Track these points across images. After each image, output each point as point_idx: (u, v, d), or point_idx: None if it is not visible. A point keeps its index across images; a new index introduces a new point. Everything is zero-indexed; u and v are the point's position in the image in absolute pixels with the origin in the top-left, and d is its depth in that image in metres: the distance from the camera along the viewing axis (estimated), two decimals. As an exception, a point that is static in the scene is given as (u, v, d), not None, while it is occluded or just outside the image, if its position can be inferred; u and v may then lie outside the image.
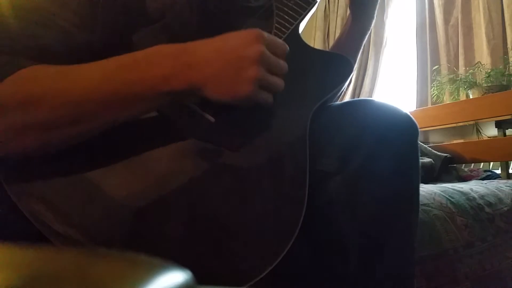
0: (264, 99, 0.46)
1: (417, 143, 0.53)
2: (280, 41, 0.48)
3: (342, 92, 0.66)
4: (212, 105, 0.51)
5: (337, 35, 3.15)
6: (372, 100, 0.55)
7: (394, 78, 2.84)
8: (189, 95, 0.46)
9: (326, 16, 3.32)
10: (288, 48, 0.48)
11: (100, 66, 0.44)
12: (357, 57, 0.74)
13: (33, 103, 0.42)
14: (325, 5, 3.31)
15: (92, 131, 0.45)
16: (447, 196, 0.96)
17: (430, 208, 0.89)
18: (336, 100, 0.68)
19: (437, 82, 2.10)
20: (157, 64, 0.43)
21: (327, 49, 2.94)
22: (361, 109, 0.54)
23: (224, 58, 0.44)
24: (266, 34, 0.45)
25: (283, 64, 0.47)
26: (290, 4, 0.60)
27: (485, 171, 1.71)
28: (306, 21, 0.67)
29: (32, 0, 0.47)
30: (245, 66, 0.43)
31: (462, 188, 1.05)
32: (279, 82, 0.47)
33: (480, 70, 1.92)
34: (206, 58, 0.44)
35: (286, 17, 0.59)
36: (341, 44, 0.74)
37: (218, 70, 0.43)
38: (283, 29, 0.58)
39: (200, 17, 0.49)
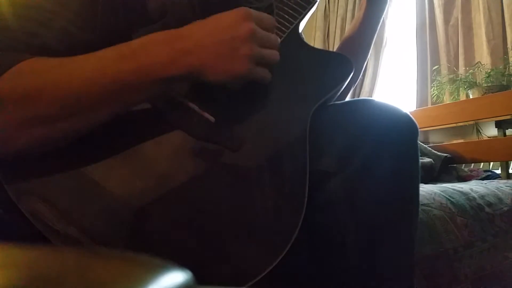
0: (262, 74, 0.48)
1: (417, 143, 0.53)
2: (268, 15, 0.50)
3: (349, 88, 0.66)
4: (211, 105, 0.51)
5: (337, 35, 3.17)
6: (372, 100, 0.55)
7: (394, 78, 2.85)
8: (187, 80, 0.47)
9: (326, 16, 3.32)
10: (275, 22, 0.50)
11: (97, 57, 0.44)
12: (372, 42, 0.75)
13: (33, 96, 0.42)
14: (325, 5, 3.31)
15: (92, 124, 0.45)
16: (447, 196, 0.96)
17: (430, 208, 0.89)
18: (339, 99, 0.68)
19: (437, 82, 2.10)
20: (154, 52, 0.44)
21: (327, 49, 2.95)
22: (361, 109, 0.54)
23: (217, 40, 0.45)
24: (253, 10, 0.47)
25: (274, 37, 0.49)
26: (290, 4, 0.60)
27: (485, 171, 1.72)
28: (306, 21, 0.67)
29: None
30: (238, 45, 0.45)
31: (462, 188, 1.05)
32: (273, 54, 0.49)
33: (480, 70, 1.92)
34: (200, 42, 0.45)
35: (286, 16, 0.59)
36: (358, 29, 0.74)
37: (214, 52, 0.45)
38: (283, 29, 0.58)
39: (201, 16, 0.50)
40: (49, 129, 0.43)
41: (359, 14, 0.75)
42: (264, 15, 0.49)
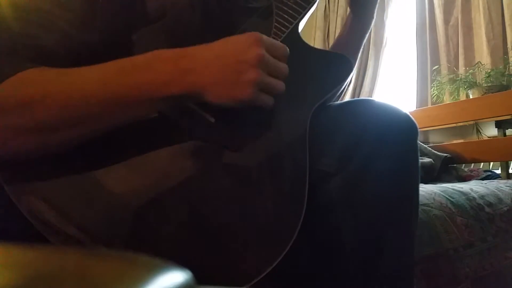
0: (265, 101, 0.47)
1: (416, 143, 0.53)
2: (280, 43, 0.49)
3: (343, 90, 0.66)
4: (212, 106, 0.51)
5: (337, 35, 3.16)
6: (372, 100, 0.55)
7: (394, 78, 2.84)
8: (189, 100, 0.47)
9: (326, 16, 3.32)
10: (288, 50, 0.49)
11: (99, 69, 0.44)
12: (357, 56, 0.74)
13: (31, 105, 0.42)
14: (325, 5, 3.31)
15: (91, 134, 0.45)
16: (447, 196, 0.96)
17: (430, 208, 0.89)
18: (336, 100, 0.68)
19: (437, 82, 2.10)
20: (156, 69, 0.44)
21: (327, 49, 2.94)
22: (361, 109, 0.54)
23: (223, 63, 0.44)
24: (265, 37, 0.46)
25: (283, 66, 0.48)
26: (290, 4, 0.60)
27: (485, 171, 1.71)
28: (306, 21, 0.67)
29: (32, 1, 0.47)
30: (244, 69, 0.44)
31: (462, 188, 1.05)
32: (279, 84, 0.47)
33: (480, 70, 1.92)
34: (205, 63, 0.44)
35: (286, 16, 0.59)
36: (342, 43, 0.74)
37: (218, 74, 0.44)
38: (282, 29, 0.58)
39: (201, 17, 0.49)
40: (46, 137, 0.43)
41: (343, 28, 0.74)
42: (278, 44, 0.48)
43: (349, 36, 0.73)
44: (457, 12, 2.32)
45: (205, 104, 0.50)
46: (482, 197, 1.01)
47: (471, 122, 1.67)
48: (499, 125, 1.63)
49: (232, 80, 0.44)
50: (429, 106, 2.26)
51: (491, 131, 1.74)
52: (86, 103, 0.43)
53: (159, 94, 0.43)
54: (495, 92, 1.67)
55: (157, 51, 0.45)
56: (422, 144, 1.77)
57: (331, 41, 3.20)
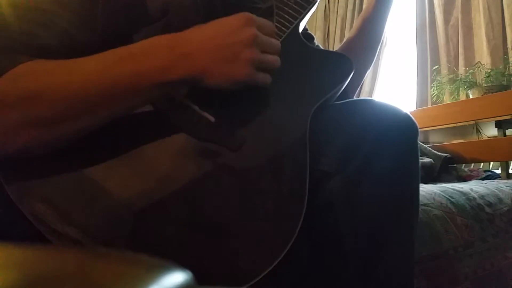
0: (262, 79, 0.48)
1: (417, 143, 0.53)
2: (269, 22, 0.50)
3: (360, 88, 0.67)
4: (211, 105, 0.51)
5: (337, 35, 3.17)
6: (372, 99, 0.55)
7: (394, 78, 2.85)
8: (187, 84, 0.47)
9: (326, 16, 3.33)
10: (275, 28, 0.51)
11: (97, 59, 0.44)
12: (384, 27, 0.76)
13: (32, 98, 0.42)
14: (325, 5, 3.31)
15: (92, 126, 0.45)
16: (447, 196, 0.96)
17: (430, 208, 0.89)
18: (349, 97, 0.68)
19: (437, 82, 2.10)
20: (153, 55, 0.44)
21: (326, 49, 2.95)
22: (361, 108, 0.54)
23: (219, 44, 0.45)
24: (254, 16, 0.47)
25: (275, 42, 0.49)
26: (290, 4, 0.60)
27: (485, 171, 1.72)
28: (306, 21, 0.67)
29: (32, 0, 0.47)
30: (240, 49, 0.45)
31: (462, 188, 1.05)
32: (274, 60, 0.48)
33: (480, 70, 1.92)
34: (201, 47, 0.45)
35: (286, 16, 0.59)
36: (369, 16, 0.75)
37: (214, 56, 0.45)
38: (283, 29, 0.58)
39: (205, 17, 0.50)
40: (48, 131, 0.43)
41: (364, 12, 0.75)
42: (265, 21, 0.49)
43: (375, 8, 0.74)
44: (457, 12, 2.32)
45: (204, 104, 0.50)
46: (482, 197, 1.01)
47: (471, 122, 1.67)
48: (499, 125, 1.63)
49: (228, 61, 0.45)
50: (429, 106, 2.26)
51: (491, 131, 1.74)
52: (86, 93, 0.43)
53: (157, 80, 0.43)
54: (495, 92, 1.67)
55: (153, 38, 0.45)
56: (422, 144, 1.77)
57: (331, 41, 3.20)
